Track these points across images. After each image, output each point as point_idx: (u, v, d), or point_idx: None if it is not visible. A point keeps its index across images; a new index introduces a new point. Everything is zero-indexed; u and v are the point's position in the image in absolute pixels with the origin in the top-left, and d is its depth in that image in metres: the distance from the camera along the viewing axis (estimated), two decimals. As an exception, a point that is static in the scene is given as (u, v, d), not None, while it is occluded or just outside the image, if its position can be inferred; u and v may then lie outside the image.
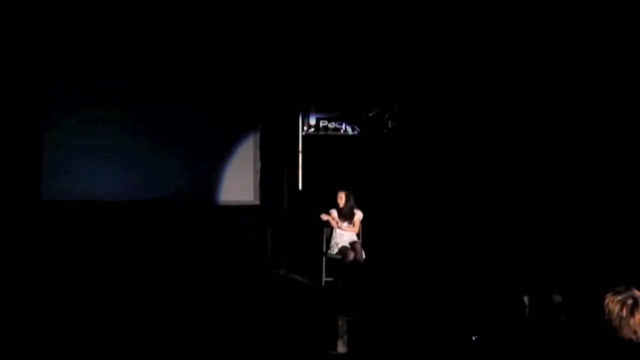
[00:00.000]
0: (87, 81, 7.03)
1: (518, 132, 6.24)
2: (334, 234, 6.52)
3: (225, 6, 6.49)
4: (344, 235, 6.47)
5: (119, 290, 5.89)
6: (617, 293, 2.41)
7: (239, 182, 7.30)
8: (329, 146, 7.38)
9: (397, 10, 6.32)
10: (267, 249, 7.30)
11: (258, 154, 7.33)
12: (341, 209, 6.50)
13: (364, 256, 6.37)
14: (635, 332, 2.37)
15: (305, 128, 7.44)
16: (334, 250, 6.42)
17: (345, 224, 6.48)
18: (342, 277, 6.30)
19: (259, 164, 7.33)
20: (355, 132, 7.50)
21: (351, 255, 6.23)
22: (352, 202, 6.50)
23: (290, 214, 7.37)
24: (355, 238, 6.51)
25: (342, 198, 6.49)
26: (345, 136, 7.48)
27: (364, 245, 6.50)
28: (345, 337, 4.75)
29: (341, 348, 4.63)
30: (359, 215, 6.54)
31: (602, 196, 5.52)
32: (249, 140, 7.35)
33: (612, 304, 2.39)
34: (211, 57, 7.12)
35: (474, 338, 4.20)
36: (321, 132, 7.45)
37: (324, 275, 6.44)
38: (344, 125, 7.45)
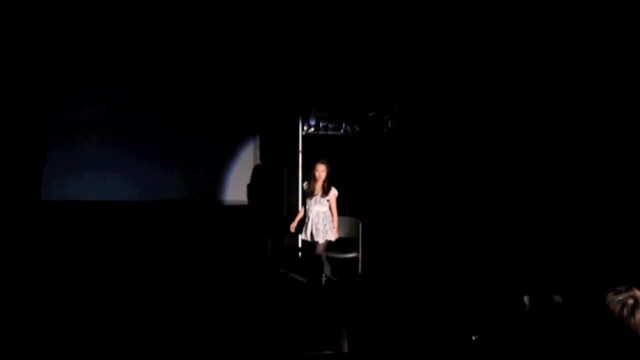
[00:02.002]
0: (87, 81, 7.04)
1: (517, 131, 6.24)
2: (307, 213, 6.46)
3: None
4: (312, 210, 6.38)
5: (119, 290, 5.88)
6: (618, 293, 2.41)
7: (239, 182, 7.30)
8: (329, 146, 7.38)
9: (396, 10, 6.33)
10: (267, 249, 7.29)
11: (258, 153, 7.33)
12: (316, 183, 6.34)
13: (334, 237, 6.36)
14: (635, 332, 2.37)
15: (305, 128, 7.44)
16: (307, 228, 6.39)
17: (318, 196, 6.34)
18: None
19: (259, 164, 7.33)
20: (355, 132, 7.50)
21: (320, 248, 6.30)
22: (328, 178, 6.36)
23: (290, 213, 7.37)
24: (321, 215, 6.40)
25: (323, 172, 6.33)
26: (346, 136, 7.48)
27: (364, 246, 6.50)
28: (345, 337, 4.76)
29: (341, 348, 4.63)
30: (334, 192, 6.41)
31: (602, 196, 5.52)
32: (249, 140, 7.35)
33: (613, 304, 2.38)
34: (211, 56, 7.11)
35: (474, 338, 4.20)
36: (321, 132, 7.45)
37: (324, 274, 6.44)
38: (344, 125, 7.45)
